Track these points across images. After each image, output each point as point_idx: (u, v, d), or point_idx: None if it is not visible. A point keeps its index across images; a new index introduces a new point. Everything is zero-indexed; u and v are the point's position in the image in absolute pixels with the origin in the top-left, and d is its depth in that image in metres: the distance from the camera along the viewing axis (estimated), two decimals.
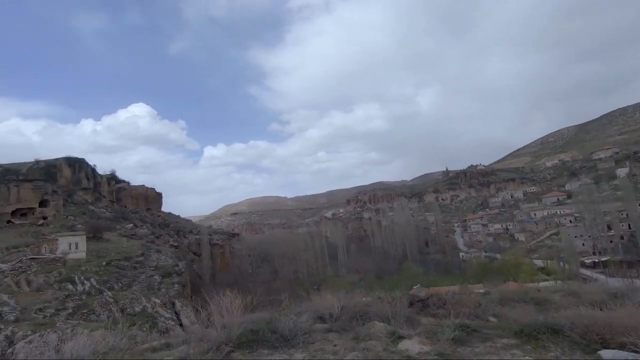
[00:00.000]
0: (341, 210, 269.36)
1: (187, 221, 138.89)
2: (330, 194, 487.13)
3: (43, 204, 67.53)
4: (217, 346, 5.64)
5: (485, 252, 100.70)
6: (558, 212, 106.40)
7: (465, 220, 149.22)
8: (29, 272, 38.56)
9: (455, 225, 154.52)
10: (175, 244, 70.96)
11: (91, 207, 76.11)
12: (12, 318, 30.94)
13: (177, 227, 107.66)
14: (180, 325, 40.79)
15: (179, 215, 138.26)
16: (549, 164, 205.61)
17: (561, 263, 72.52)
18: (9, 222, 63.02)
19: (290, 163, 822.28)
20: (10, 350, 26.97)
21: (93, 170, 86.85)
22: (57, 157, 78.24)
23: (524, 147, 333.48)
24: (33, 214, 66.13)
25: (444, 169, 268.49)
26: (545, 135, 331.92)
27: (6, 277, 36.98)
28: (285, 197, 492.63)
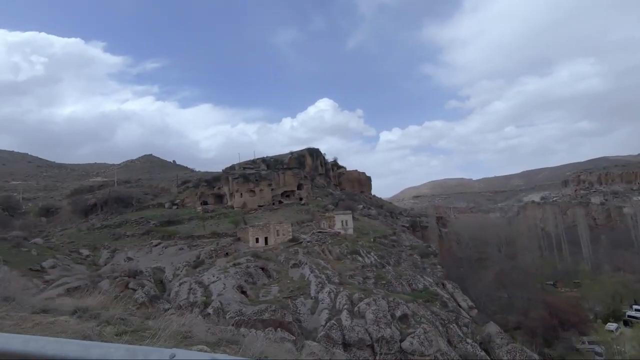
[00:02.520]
0: (552, 194, 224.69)
1: (390, 203, 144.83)
2: (526, 174, 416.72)
3: (299, 187, 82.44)
4: None
5: None
6: None
7: None
8: (327, 243, 46.23)
9: None
10: (407, 225, 73.70)
11: (329, 190, 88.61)
12: (336, 280, 37.55)
13: (388, 208, 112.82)
14: (459, 306, 40.92)
15: (381, 198, 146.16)
16: None
17: None
18: (280, 202, 79.83)
19: (470, 142, 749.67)
20: (356, 308, 32.35)
21: (324, 158, 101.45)
22: (301, 149, 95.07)
23: None
24: (294, 195, 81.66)
25: None
26: None
27: (314, 246, 45.34)
28: (470, 179, 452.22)
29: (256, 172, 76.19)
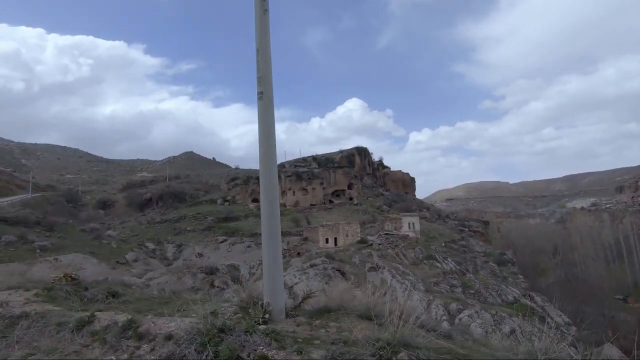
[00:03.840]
0: (603, 199, 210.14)
1: (432, 205, 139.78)
2: (570, 178, 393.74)
3: (349, 186, 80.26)
4: None
5: None
6: None
7: None
8: (400, 247, 43.71)
9: None
10: (464, 229, 69.89)
11: (379, 190, 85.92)
12: (421, 287, 35.07)
13: (435, 210, 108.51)
14: (555, 322, 37.31)
15: (421, 200, 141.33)
16: None
17: None
18: (330, 201, 77.98)
19: (504, 143, 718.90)
20: (457, 320, 29.71)
21: (372, 157, 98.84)
22: (349, 147, 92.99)
23: None
24: (344, 194, 79.57)
25: None
26: None
27: (387, 249, 42.95)
28: (507, 183, 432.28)
29: (309, 170, 74.79)
